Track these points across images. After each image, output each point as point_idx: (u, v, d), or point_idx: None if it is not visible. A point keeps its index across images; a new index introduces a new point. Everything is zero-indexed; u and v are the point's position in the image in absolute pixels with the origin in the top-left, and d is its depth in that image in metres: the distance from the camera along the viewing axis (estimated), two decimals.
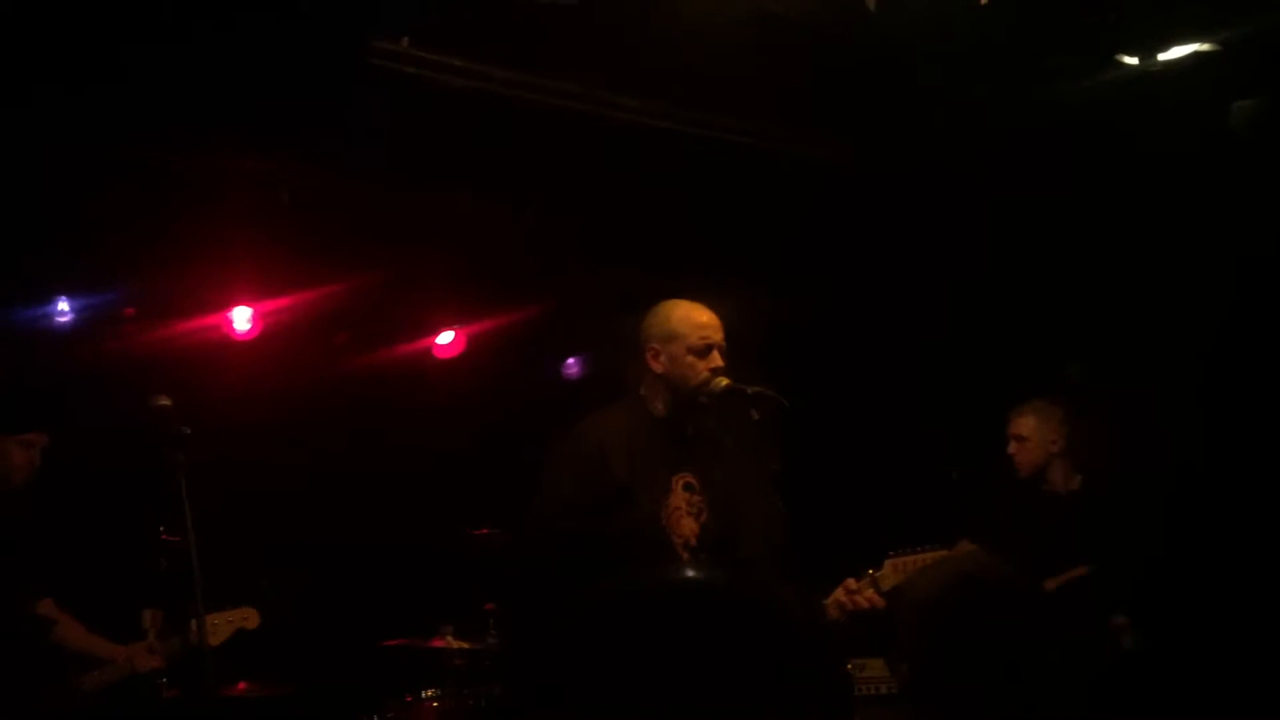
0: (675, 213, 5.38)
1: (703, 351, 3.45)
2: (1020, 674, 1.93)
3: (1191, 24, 3.91)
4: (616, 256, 5.67)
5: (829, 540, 3.60)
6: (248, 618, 4.37)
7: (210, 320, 5.52)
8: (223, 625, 4.28)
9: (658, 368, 3.49)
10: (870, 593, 3.33)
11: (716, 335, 3.48)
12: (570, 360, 6.73)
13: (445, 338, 6.25)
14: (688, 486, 3.50)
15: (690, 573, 1.62)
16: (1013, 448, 4.70)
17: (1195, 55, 4.00)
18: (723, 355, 3.47)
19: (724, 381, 3.41)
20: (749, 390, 3.35)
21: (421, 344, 6.22)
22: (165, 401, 3.30)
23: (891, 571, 3.36)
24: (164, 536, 4.40)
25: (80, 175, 4.60)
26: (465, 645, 4.95)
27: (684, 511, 3.47)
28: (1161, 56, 4.03)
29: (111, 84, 4.02)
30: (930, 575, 2.02)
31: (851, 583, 3.36)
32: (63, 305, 5.28)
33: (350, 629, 5.31)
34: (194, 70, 4.03)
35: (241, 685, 4.80)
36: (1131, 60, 4.05)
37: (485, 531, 5.24)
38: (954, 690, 1.91)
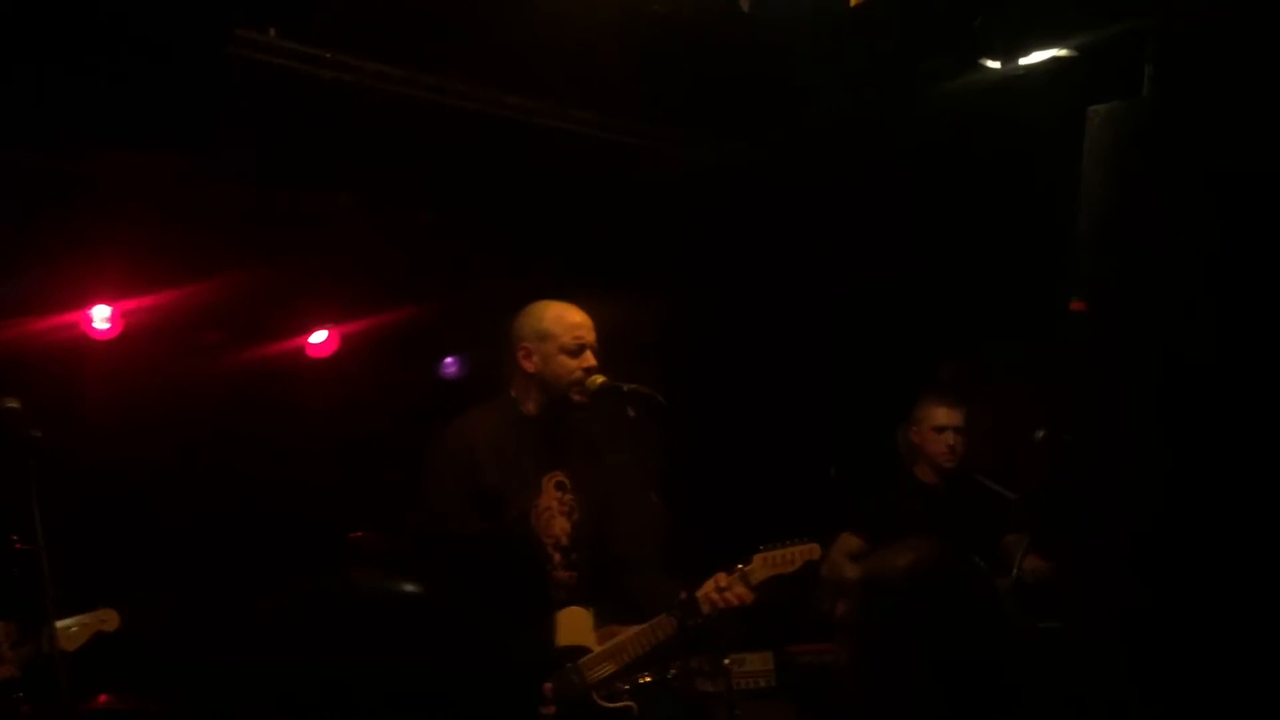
0: (555, 212, 5.36)
1: (575, 351, 3.45)
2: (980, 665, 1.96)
3: (1051, 30, 4.04)
4: (494, 256, 5.62)
5: (704, 536, 3.63)
6: (106, 620, 4.21)
7: (67, 319, 5.31)
8: (79, 630, 4.11)
9: (530, 367, 3.48)
10: (740, 589, 3.37)
11: (589, 335, 3.49)
12: (448, 360, 6.65)
13: (318, 337, 6.12)
14: (559, 485, 3.50)
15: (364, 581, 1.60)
16: (951, 439, 4.79)
17: (1054, 60, 4.14)
18: (595, 355, 3.48)
19: (599, 379, 3.42)
20: (624, 388, 3.36)
21: (294, 343, 6.07)
22: (13, 404, 3.16)
23: (760, 565, 3.41)
24: (17, 545, 4.22)
25: None
26: None
27: (555, 511, 3.47)
28: (1023, 61, 4.15)
29: None
30: (889, 559, 2.04)
31: (722, 578, 3.39)
32: None
33: (219, 638, 5.15)
34: (56, 65, 3.86)
35: (102, 698, 4.62)
36: (994, 64, 4.16)
37: (360, 534, 5.14)
38: (911, 676, 1.93)
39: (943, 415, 4.84)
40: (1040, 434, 4.40)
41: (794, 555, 3.42)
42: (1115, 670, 2.86)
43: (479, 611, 1.57)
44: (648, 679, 3.48)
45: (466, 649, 1.53)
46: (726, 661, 5.02)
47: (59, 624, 3.71)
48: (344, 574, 1.56)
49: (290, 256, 5.52)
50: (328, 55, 4.13)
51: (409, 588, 1.53)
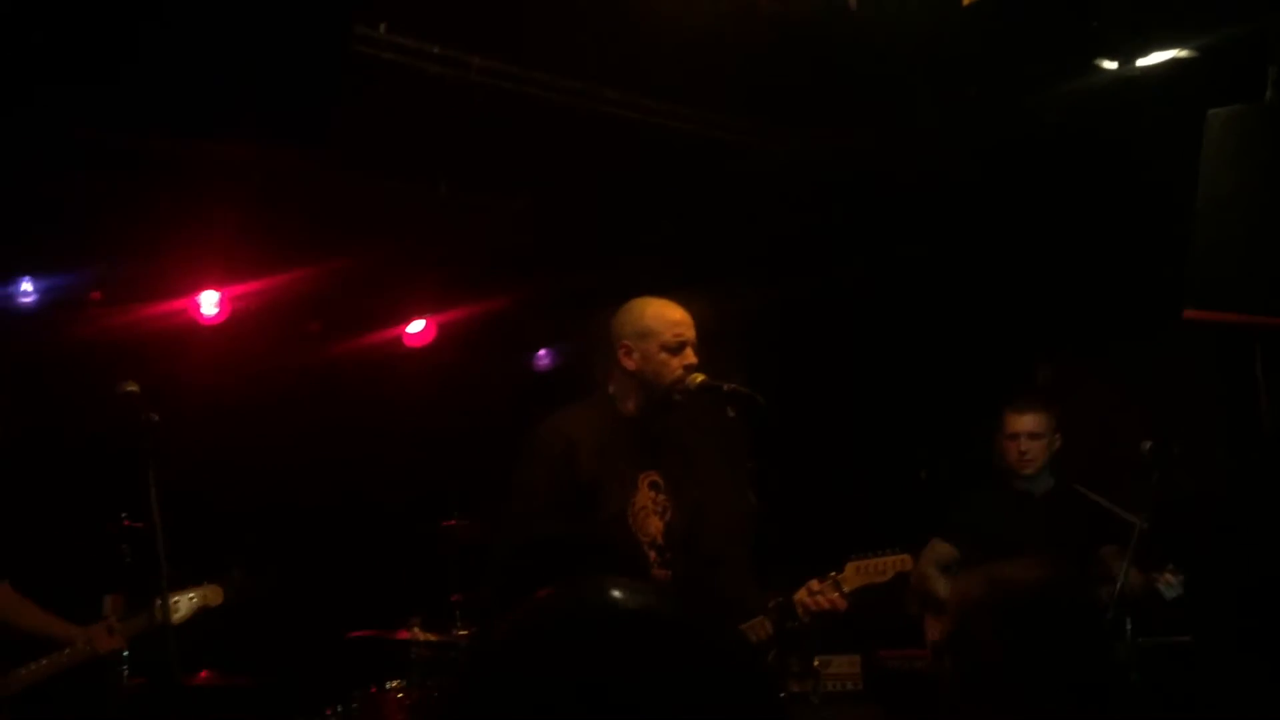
0: (655, 207, 5.36)
1: (676, 349, 3.43)
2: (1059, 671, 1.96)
3: (1170, 30, 3.93)
4: (592, 250, 5.65)
5: (796, 539, 3.61)
6: (210, 596, 4.31)
7: (177, 304, 5.45)
8: (185, 603, 4.21)
9: (630, 365, 3.47)
10: (834, 595, 3.35)
11: (690, 332, 3.47)
12: (541, 352, 6.70)
13: (416, 326, 6.20)
14: (653, 485, 3.49)
15: (618, 594, 1.60)
16: (1024, 445, 4.72)
17: (1173, 61, 4.03)
18: (695, 352, 3.47)
19: (699, 378, 3.40)
20: (724, 387, 3.34)
21: (392, 332, 6.17)
22: (133, 387, 3.26)
23: (853, 574, 3.39)
24: (126, 523, 4.36)
25: (46, 157, 4.53)
26: (432, 637, 4.92)
27: (650, 510, 3.46)
28: (1140, 62, 4.05)
29: (83, 69, 3.95)
30: (978, 581, 2.05)
31: (814, 584, 3.37)
32: (26, 286, 5.21)
33: (318, 619, 5.27)
34: (168, 54, 3.96)
35: (204, 674, 4.75)
36: (1110, 65, 4.06)
37: (454, 522, 5.22)
38: (1002, 684, 1.93)
39: (1014, 421, 4.76)
40: (1147, 445, 4.28)
41: (887, 565, 3.39)
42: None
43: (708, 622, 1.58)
44: None
45: (710, 655, 1.54)
46: (815, 663, 5.02)
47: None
48: (573, 590, 1.57)
49: (390, 246, 5.61)
50: (435, 50, 4.18)
51: (640, 600, 1.54)
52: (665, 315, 3.48)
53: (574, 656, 1.51)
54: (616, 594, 1.57)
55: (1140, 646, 4.37)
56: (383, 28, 4.04)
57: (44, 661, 4.02)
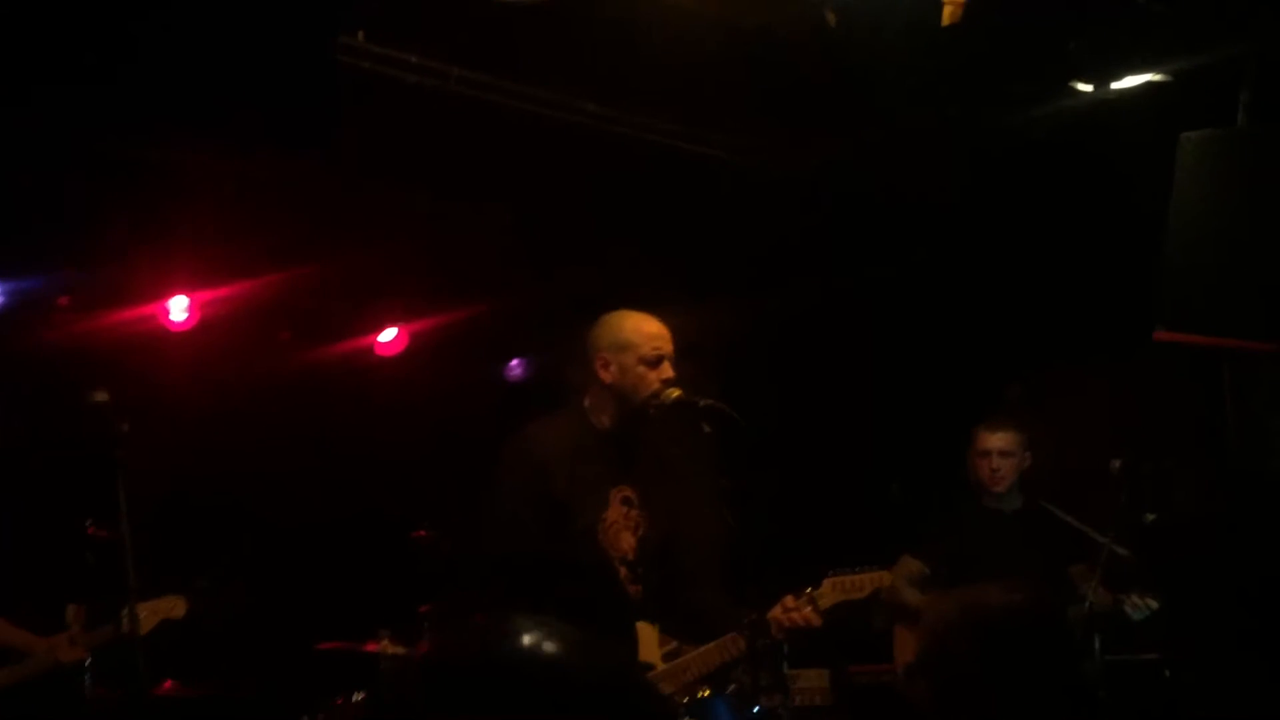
0: (627, 219, 5.36)
1: (654, 362, 3.42)
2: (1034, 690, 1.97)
3: (1145, 55, 3.98)
4: (566, 261, 5.63)
5: (768, 555, 3.61)
6: (174, 607, 4.27)
7: (146, 310, 5.39)
8: (148, 615, 4.17)
9: (607, 378, 3.45)
10: (808, 611, 3.35)
11: (668, 346, 3.46)
12: (514, 362, 6.67)
13: (388, 335, 6.16)
14: (626, 500, 3.48)
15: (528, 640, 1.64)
16: (995, 462, 4.76)
17: (1148, 85, 4.07)
18: (673, 366, 3.46)
19: (675, 392, 3.39)
20: (700, 403, 3.33)
21: (363, 341, 6.12)
22: (103, 396, 3.21)
23: (830, 590, 3.39)
24: (91, 531, 4.30)
25: (13, 160, 4.46)
26: (401, 650, 4.88)
27: (621, 525, 3.45)
28: (1115, 85, 4.09)
29: (61, 72, 3.90)
30: (953, 605, 2.06)
31: (790, 600, 3.37)
32: None
33: (287, 630, 5.21)
34: (142, 59, 3.92)
35: (168, 684, 4.69)
36: (1086, 88, 4.10)
37: (424, 533, 5.18)
38: (978, 706, 1.93)
39: (986, 439, 4.80)
40: (1117, 464, 4.32)
41: (865, 582, 3.39)
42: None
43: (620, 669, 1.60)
44: (706, 693, 3.46)
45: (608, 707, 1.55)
46: (786, 674, 5.02)
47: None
48: (499, 628, 1.58)
49: (362, 254, 5.57)
50: (413, 59, 4.16)
51: (555, 648, 1.55)
52: (643, 328, 3.47)
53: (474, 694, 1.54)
54: (526, 640, 1.59)
55: (1108, 664, 4.41)
56: (361, 36, 4.01)
57: (3, 671, 3.96)
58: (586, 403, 3.52)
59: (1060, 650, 2.01)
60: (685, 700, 3.39)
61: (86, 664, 4.19)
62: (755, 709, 3.59)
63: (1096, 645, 4.34)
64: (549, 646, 1.58)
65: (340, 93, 4.13)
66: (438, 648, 1.64)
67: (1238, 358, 3.79)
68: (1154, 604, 4.42)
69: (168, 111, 4.31)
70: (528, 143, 4.74)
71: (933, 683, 2.05)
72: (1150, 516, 4.52)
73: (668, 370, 3.43)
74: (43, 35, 3.72)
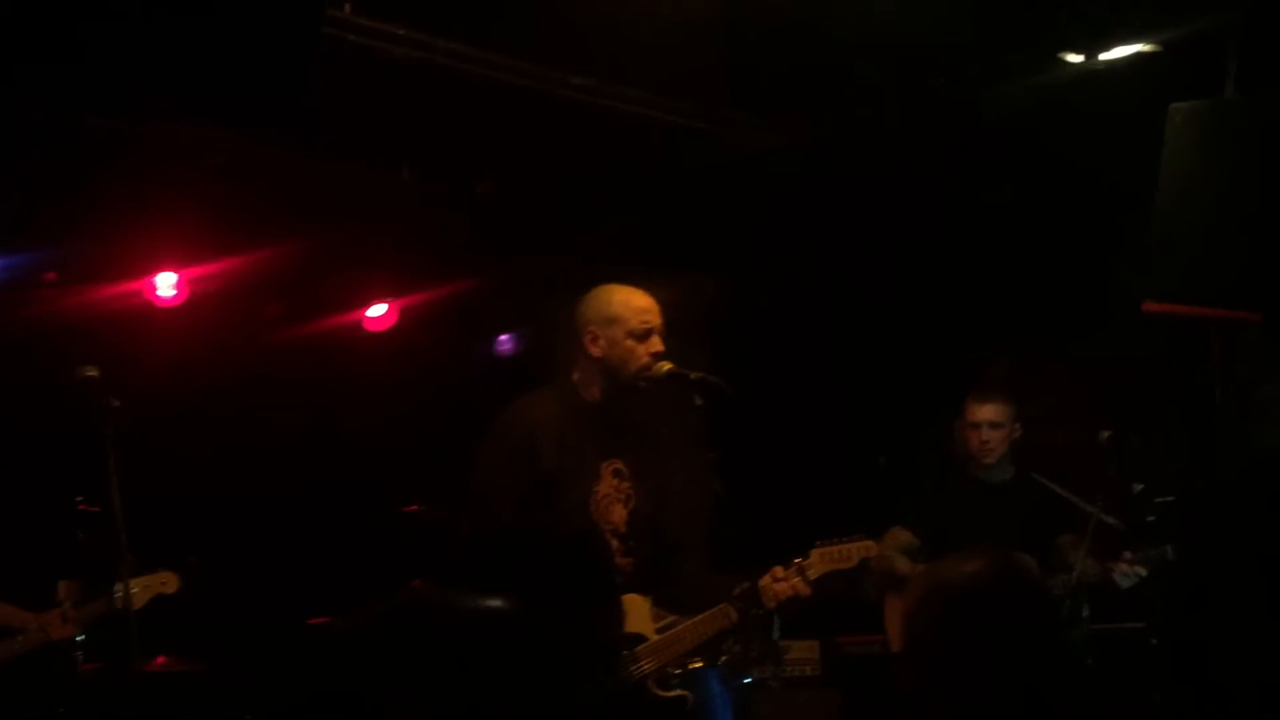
0: (618, 194, 5.34)
1: (643, 335, 3.42)
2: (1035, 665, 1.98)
3: (1133, 25, 3.97)
4: (554, 235, 5.62)
5: (757, 526, 3.62)
6: (166, 582, 4.28)
7: (134, 286, 5.36)
8: (140, 591, 4.17)
9: (596, 351, 3.46)
10: (797, 581, 3.36)
11: (656, 319, 3.46)
12: (503, 337, 6.66)
13: (377, 310, 6.15)
14: (617, 473, 3.49)
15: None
16: (985, 434, 4.79)
17: (1136, 56, 4.06)
18: (662, 340, 3.46)
19: (666, 366, 3.39)
20: (691, 375, 3.34)
21: (353, 316, 6.11)
22: (92, 372, 3.20)
23: (819, 560, 3.40)
24: (82, 507, 4.30)
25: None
26: None
27: (613, 498, 3.47)
28: (1103, 56, 4.08)
29: (39, 47, 3.86)
30: (919, 580, 2.05)
31: (779, 570, 3.38)
32: None
33: (278, 605, 5.23)
34: (125, 32, 3.88)
35: (160, 660, 4.70)
36: (1074, 59, 4.09)
37: (415, 508, 5.19)
38: (969, 682, 1.94)
39: (976, 411, 4.82)
40: (1105, 435, 4.34)
41: (852, 551, 3.41)
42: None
43: (553, 629, 1.61)
44: (698, 664, 3.48)
45: (537, 669, 1.56)
46: (777, 642, 5.05)
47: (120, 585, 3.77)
48: (415, 596, 1.60)
49: (351, 230, 5.55)
50: (400, 32, 4.13)
51: (483, 605, 1.57)
52: (632, 302, 3.47)
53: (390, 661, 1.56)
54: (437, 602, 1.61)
55: (1096, 633, 4.45)
56: (347, 8, 3.98)
57: None
58: (575, 377, 3.53)
59: (1039, 618, 2.00)
60: (678, 671, 3.42)
61: (79, 640, 4.19)
62: (747, 679, 3.62)
63: (1085, 614, 4.38)
64: (458, 616, 1.60)
65: (328, 65, 4.09)
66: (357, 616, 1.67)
67: (1226, 328, 3.81)
68: (1143, 570, 4.45)
69: (154, 86, 4.27)
70: (514, 117, 4.72)
71: (909, 655, 2.05)
72: (1139, 487, 4.55)
73: (656, 344, 3.43)
74: (22, 9, 3.68)
